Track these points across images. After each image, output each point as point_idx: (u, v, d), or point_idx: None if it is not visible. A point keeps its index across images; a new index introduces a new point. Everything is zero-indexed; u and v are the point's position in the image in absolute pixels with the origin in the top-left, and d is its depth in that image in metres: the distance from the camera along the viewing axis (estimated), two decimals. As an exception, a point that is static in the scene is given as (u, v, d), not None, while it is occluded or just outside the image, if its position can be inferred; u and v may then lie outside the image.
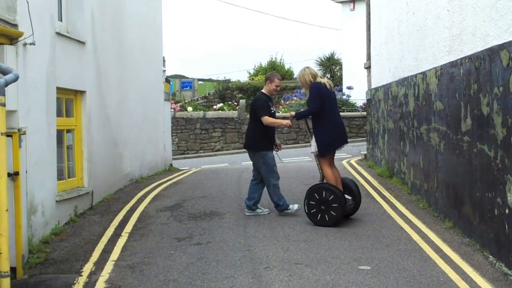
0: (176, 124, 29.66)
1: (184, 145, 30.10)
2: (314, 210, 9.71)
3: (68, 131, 10.95)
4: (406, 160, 12.56)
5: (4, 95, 6.23)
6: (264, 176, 10.47)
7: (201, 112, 31.00)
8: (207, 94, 40.35)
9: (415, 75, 11.55)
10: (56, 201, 9.76)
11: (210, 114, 30.49)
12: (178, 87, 46.20)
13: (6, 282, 6.22)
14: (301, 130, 28.23)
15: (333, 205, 9.59)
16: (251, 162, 10.78)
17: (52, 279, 7.52)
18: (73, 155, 11.10)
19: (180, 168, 19.52)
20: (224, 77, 47.05)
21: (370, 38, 17.17)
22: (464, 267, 7.46)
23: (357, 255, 8.02)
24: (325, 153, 9.90)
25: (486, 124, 7.73)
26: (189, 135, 30.42)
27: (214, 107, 33.91)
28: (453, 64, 9.13)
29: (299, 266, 7.58)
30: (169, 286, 7.04)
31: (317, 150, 9.91)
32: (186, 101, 38.90)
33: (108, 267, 7.90)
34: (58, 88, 9.94)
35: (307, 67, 10.34)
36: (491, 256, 7.66)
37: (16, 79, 6.56)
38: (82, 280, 7.41)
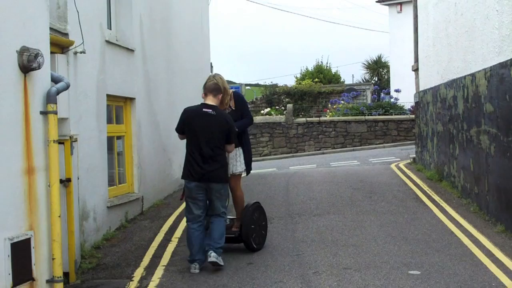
0: (224, 129, 29.71)
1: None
2: (254, 234, 8.73)
3: (118, 137, 11.12)
4: (456, 163, 12.40)
5: (56, 103, 6.37)
6: (219, 210, 8.04)
7: (249, 117, 30.94)
8: (254, 99, 40.41)
9: (464, 77, 11.40)
10: (107, 207, 9.91)
11: (258, 119, 30.48)
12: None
13: (59, 286, 6.35)
14: (349, 134, 28.05)
15: (263, 223, 8.99)
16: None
17: (104, 284, 7.64)
18: (124, 161, 11.26)
19: (228, 173, 19.56)
20: (271, 82, 47.05)
21: (417, 40, 16.99)
22: (517, 272, 7.34)
23: (407, 259, 7.94)
24: (250, 170, 8.97)
25: (538, 126, 7.60)
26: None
27: (262, 112, 33.94)
28: (503, 65, 8.99)
29: (348, 271, 7.55)
30: (219, 291, 7.10)
31: (245, 168, 8.77)
32: (233, 106, 38.99)
33: (159, 272, 7.99)
34: (108, 96, 10.11)
35: (217, 73, 8.82)
36: (545, 261, 7.52)
37: (67, 87, 6.71)
38: (133, 285, 7.52)
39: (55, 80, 6.60)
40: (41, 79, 6.28)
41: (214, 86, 8.11)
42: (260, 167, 23.85)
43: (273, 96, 37.17)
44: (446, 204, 11.38)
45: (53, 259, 6.35)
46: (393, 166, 17.62)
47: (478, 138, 10.51)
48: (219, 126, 7.87)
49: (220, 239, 7.94)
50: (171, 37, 14.15)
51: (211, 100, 8.03)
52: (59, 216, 6.42)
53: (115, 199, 10.45)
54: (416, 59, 17.22)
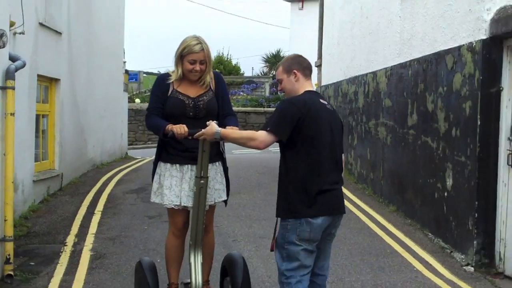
0: (126, 115, 30.02)
1: (132, 136, 30.04)
2: None
3: (43, 116, 11.63)
4: (353, 153, 13.62)
5: (14, 80, 6.95)
6: (328, 262, 4.88)
7: (150, 104, 31.26)
8: (151, 87, 40.72)
9: (366, 74, 12.57)
10: (33, 181, 10.43)
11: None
12: (125, 79, 46.37)
13: (10, 245, 6.92)
14: (248, 124, 28.94)
15: None
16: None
17: (40, 248, 8.21)
18: (47, 139, 11.78)
19: (135, 157, 20.18)
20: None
21: (322, 38, 18.04)
22: (407, 242, 8.57)
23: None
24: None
25: (430, 119, 8.82)
26: (138, 126, 30.81)
27: (163, 99, 34.37)
28: (402, 65, 10.17)
29: (264, 239, 8.45)
30: (150, 253, 7.80)
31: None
32: (134, 93, 39.35)
33: (90, 238, 8.63)
34: (38, 76, 10.62)
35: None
36: (430, 234, 8.77)
37: (23, 65, 7.28)
38: (68, 249, 8.14)
39: (12, 58, 7.16)
40: (1, 57, 6.84)
41: (309, 64, 4.77)
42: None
43: (174, 84, 37.65)
44: (343, 188, 12.50)
45: (5, 220, 6.92)
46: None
47: (376, 130, 11.71)
48: (340, 129, 4.76)
49: None
50: (92, 22, 14.67)
51: (311, 86, 4.74)
52: (13, 182, 7.01)
53: (40, 174, 10.96)
54: (320, 56, 18.32)
